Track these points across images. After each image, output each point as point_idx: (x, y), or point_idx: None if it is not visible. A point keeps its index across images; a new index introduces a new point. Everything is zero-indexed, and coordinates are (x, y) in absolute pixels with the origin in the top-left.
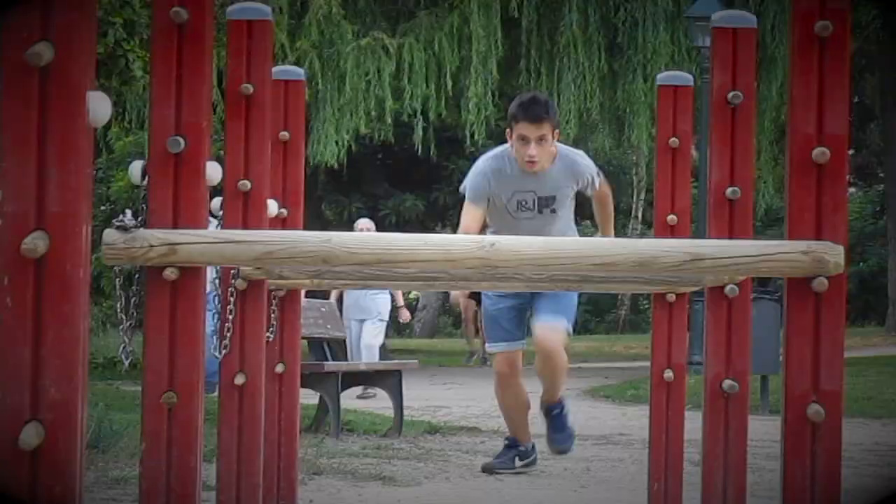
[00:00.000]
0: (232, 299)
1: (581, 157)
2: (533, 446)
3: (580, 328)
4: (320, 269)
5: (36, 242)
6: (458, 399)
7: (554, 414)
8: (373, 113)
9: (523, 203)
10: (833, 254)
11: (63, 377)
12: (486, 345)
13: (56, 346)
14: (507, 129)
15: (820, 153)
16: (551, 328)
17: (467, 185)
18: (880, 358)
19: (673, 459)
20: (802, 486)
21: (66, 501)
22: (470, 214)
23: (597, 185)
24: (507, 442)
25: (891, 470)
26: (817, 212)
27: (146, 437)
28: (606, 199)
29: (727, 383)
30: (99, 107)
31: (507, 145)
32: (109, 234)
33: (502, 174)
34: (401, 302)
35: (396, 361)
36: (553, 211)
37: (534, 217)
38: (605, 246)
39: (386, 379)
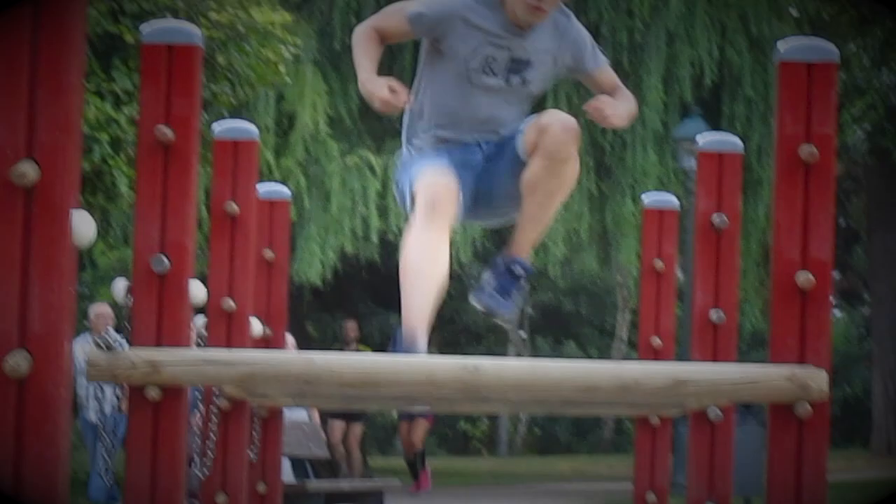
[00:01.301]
0: (214, 419)
1: (577, 22)
2: None
3: (562, 447)
4: (303, 388)
5: (18, 362)
6: None
7: (516, 273)
8: (358, 231)
9: (491, 62)
10: (817, 379)
11: (44, 498)
12: (412, 185)
13: (37, 465)
14: None
15: (804, 278)
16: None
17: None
18: (864, 482)
19: None
20: None
21: None
22: (389, 18)
23: (600, 63)
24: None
25: None
26: (801, 337)
27: None
28: (626, 94)
29: None
30: (83, 226)
31: None
32: (93, 353)
33: (476, 15)
34: (316, 419)
35: (378, 481)
36: (524, 83)
37: (499, 90)
38: (589, 369)
39: (368, 498)
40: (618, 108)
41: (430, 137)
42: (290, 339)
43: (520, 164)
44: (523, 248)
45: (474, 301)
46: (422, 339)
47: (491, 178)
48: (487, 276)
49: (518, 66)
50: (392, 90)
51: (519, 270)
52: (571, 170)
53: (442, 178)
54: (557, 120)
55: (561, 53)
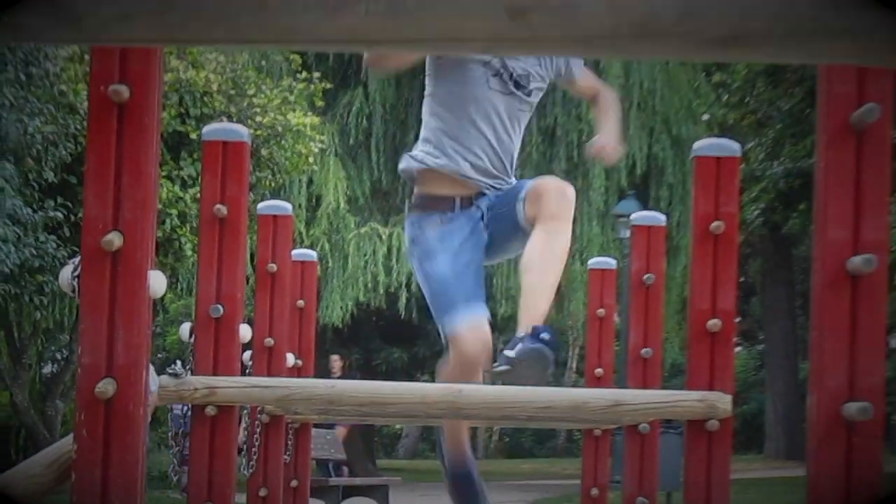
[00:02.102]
0: (258, 430)
1: None
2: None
3: (526, 453)
4: (327, 407)
5: (106, 387)
6: None
7: (543, 338)
8: (369, 285)
9: (498, 67)
10: (722, 402)
11: (125, 491)
12: (444, 317)
13: (120, 467)
14: None
15: (713, 324)
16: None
17: None
18: (759, 480)
19: None
20: None
21: None
22: None
23: (580, 71)
24: (455, 480)
25: None
26: (711, 369)
27: None
28: (606, 94)
29: (640, 500)
30: (157, 282)
31: None
32: (164, 379)
33: None
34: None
35: (384, 478)
36: (528, 94)
37: (505, 94)
38: (547, 393)
39: (376, 491)
40: (612, 136)
41: (434, 187)
42: (336, 359)
43: (521, 230)
44: (536, 319)
45: (505, 365)
46: (471, 462)
47: (496, 238)
48: (516, 349)
49: (520, 78)
50: None
51: (547, 337)
52: (567, 236)
53: (481, 335)
54: (554, 187)
55: (546, 67)
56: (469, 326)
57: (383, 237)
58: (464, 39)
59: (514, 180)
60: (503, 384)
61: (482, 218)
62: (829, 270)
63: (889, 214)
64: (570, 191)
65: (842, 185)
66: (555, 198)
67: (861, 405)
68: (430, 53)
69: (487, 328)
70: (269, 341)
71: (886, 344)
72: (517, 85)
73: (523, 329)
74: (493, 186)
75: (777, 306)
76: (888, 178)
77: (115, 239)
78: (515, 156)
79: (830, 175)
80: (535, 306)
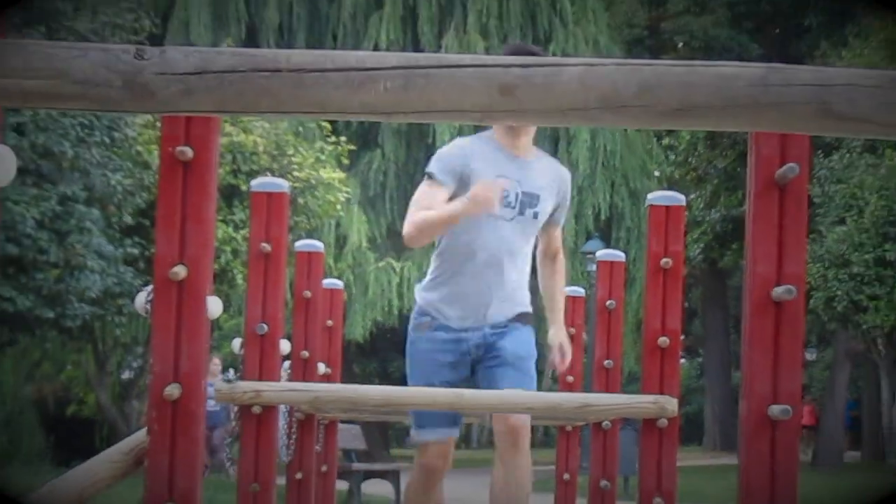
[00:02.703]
0: (294, 426)
1: (570, 181)
2: None
3: None
4: (350, 407)
5: (173, 390)
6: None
7: None
8: (385, 308)
9: (506, 195)
10: (670, 404)
11: (188, 474)
12: (413, 431)
13: (183, 455)
14: None
15: (663, 341)
16: (521, 417)
17: (435, 160)
18: (699, 467)
19: None
20: None
21: None
22: (431, 196)
23: (562, 222)
24: None
25: None
26: (661, 377)
27: None
28: (560, 260)
29: (603, 482)
30: (214, 306)
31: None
32: (219, 384)
33: (484, 152)
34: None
35: (396, 464)
36: (535, 216)
37: (513, 219)
38: (529, 395)
39: (389, 475)
40: (565, 340)
41: (437, 297)
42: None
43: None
44: None
45: None
46: None
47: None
48: None
49: (529, 199)
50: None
51: None
52: (526, 464)
53: (443, 448)
54: (520, 434)
55: (554, 194)
56: (435, 440)
57: (397, 270)
58: (463, 110)
59: (523, 302)
60: None
61: (470, 353)
62: (757, 298)
63: (806, 253)
64: (526, 441)
65: (767, 229)
66: (520, 444)
67: (782, 407)
68: (435, 122)
69: (450, 445)
70: (304, 354)
71: (803, 358)
72: (522, 207)
73: None
74: (487, 324)
75: (714, 327)
76: (805, 223)
77: (180, 271)
78: (519, 282)
79: (758, 221)
80: None
